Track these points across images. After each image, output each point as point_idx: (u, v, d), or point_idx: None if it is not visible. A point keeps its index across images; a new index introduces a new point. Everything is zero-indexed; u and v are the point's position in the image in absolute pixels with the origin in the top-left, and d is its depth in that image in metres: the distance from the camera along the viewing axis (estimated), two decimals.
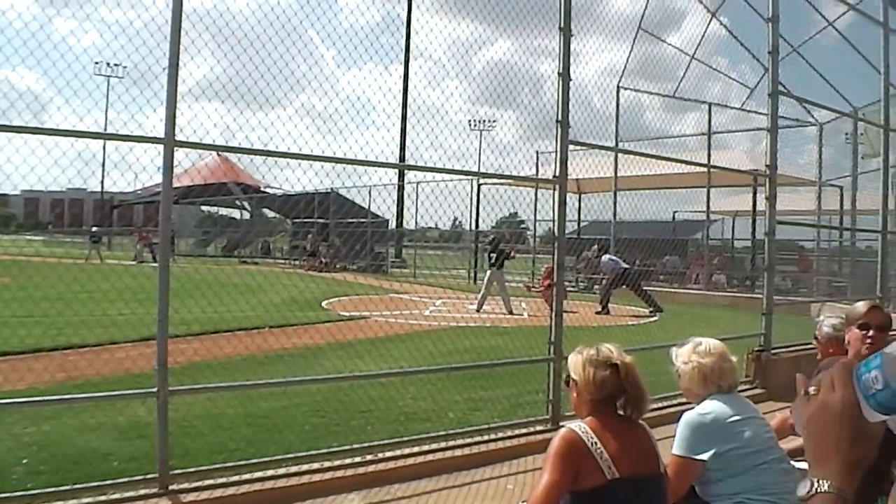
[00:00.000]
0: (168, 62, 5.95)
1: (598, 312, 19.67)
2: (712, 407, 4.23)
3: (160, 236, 6.33)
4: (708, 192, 25.98)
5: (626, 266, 21.16)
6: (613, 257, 21.84)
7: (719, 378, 4.34)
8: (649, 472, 3.62)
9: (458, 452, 7.35)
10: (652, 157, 12.74)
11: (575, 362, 3.80)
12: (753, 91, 23.29)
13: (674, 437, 4.24)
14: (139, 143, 6.36)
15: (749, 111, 24.19)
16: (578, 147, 8.87)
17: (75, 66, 6.22)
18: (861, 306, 5.02)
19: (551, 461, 3.47)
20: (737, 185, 27.95)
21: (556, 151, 8.39)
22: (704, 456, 4.11)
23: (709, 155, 23.99)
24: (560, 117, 8.33)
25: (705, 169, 18.74)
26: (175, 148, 6.03)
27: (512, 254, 22.51)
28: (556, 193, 8.42)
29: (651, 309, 20.20)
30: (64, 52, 6.01)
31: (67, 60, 6.08)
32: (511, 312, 19.63)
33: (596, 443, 3.49)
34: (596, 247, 23.87)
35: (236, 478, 6.24)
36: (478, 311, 19.70)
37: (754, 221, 27.98)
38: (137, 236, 42.92)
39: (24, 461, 6.42)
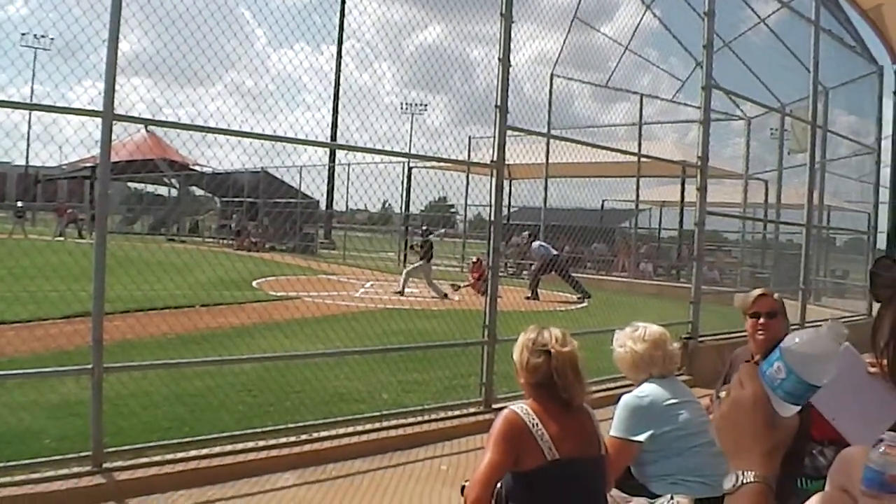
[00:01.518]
0: (108, 35, 5.86)
1: (527, 297, 19.82)
2: (650, 390, 4.35)
3: (97, 212, 6.24)
4: (637, 181, 26.31)
5: (556, 252, 21.37)
6: (543, 244, 22.02)
7: (649, 366, 4.45)
8: (590, 453, 3.71)
9: (392, 433, 7.42)
10: (586, 144, 12.89)
11: (516, 344, 3.88)
12: (685, 83, 23.73)
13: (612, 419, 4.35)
14: (68, 116, 6.27)
15: (679, 103, 24.64)
16: (514, 133, 8.95)
17: (7, 40, 6.09)
18: (750, 296, 5.17)
19: (493, 441, 3.55)
20: (665, 176, 28.39)
21: (494, 136, 8.46)
22: (641, 437, 4.22)
23: (639, 144, 24.34)
24: (499, 102, 8.39)
25: (635, 158, 18.99)
26: (113, 122, 5.96)
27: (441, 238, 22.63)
28: (494, 178, 8.50)
29: (579, 295, 20.44)
30: None
31: None
32: (445, 297, 19.71)
33: (537, 424, 3.57)
34: (526, 233, 24.08)
35: (171, 456, 6.21)
36: (401, 294, 19.68)
37: (682, 211, 28.51)
38: (60, 212, 42.17)
39: None
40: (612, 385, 8.33)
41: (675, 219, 31.35)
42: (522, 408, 3.65)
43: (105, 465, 5.92)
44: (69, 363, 7.56)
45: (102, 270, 5.87)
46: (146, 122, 6.78)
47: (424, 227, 22.89)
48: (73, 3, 6.02)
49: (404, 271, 20.93)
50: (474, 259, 23.09)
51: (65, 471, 5.78)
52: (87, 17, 6.03)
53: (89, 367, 5.89)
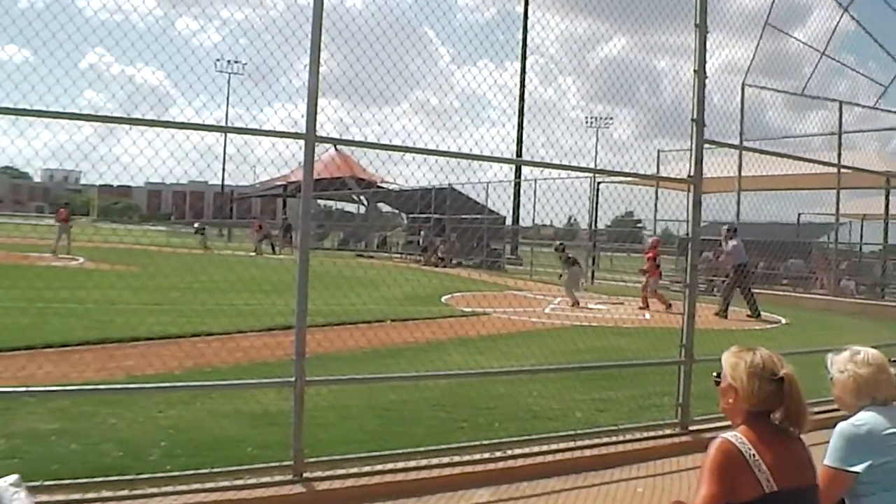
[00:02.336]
0: (310, 59, 6.03)
1: (716, 314, 19.09)
2: (867, 418, 4.06)
3: (301, 230, 6.40)
4: (837, 193, 24.97)
5: (746, 259, 20.40)
6: (740, 242, 20.84)
7: (874, 390, 4.15)
8: (805, 484, 3.49)
9: (586, 453, 7.27)
10: (781, 155, 12.38)
11: (734, 366, 3.64)
12: (887, 88, 22.46)
13: (822, 444, 4.08)
14: (260, 137, 6.48)
15: (881, 110, 23.33)
16: (709, 146, 8.67)
17: (193, 61, 6.34)
18: None
19: (708, 473, 3.36)
20: (867, 187, 26.91)
21: (691, 150, 8.22)
22: (858, 468, 3.94)
23: (839, 155, 23.17)
24: (695, 116, 8.16)
25: (833, 169, 18.10)
26: (316, 143, 6.12)
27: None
28: (691, 193, 8.26)
29: (749, 312, 19.48)
30: (181, 48, 6.17)
31: (186, 57, 6.22)
32: (576, 304, 19.70)
33: (754, 454, 3.37)
34: (726, 227, 22.57)
35: (368, 468, 6.31)
36: (577, 304, 19.55)
37: (887, 224, 26.94)
38: (254, 228, 43.98)
39: (162, 443, 6.60)
40: (817, 410, 7.90)
41: (879, 233, 29.64)
42: (737, 437, 3.45)
43: (305, 475, 6.06)
44: (269, 374, 7.84)
45: (305, 286, 6.02)
46: (346, 143, 6.94)
47: (559, 243, 22.81)
48: (262, 31, 6.24)
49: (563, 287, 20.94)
50: (651, 239, 22.62)
51: (266, 479, 5.96)
52: (275, 42, 6.24)
53: (291, 379, 6.05)
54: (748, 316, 19.35)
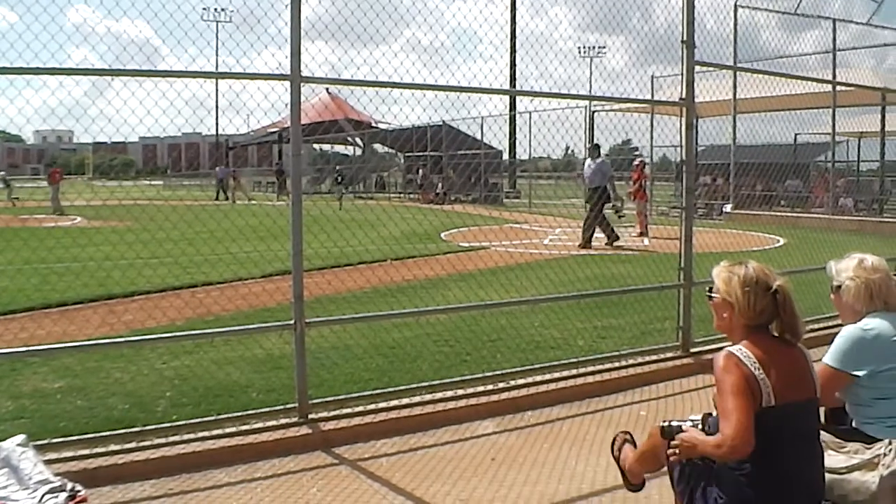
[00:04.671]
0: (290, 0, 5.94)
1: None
2: (876, 324, 4.05)
3: (291, 173, 6.38)
4: (833, 112, 24.80)
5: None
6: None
7: (886, 295, 4.14)
8: (807, 396, 3.49)
9: (589, 379, 7.32)
10: (776, 74, 12.29)
11: (727, 281, 3.62)
12: (881, 5, 22.20)
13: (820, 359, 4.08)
14: (255, 83, 6.43)
15: (876, 26, 23.09)
16: (701, 69, 8.59)
17: (179, 15, 6.26)
18: None
19: (731, 384, 3.33)
20: (862, 105, 26.71)
21: (682, 73, 8.14)
22: (859, 372, 3.95)
23: (834, 73, 22.99)
24: (685, 37, 8.05)
25: (828, 88, 17.96)
26: (301, 84, 6.06)
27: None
28: (683, 117, 8.20)
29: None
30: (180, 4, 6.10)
31: (172, 11, 6.15)
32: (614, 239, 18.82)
33: (759, 367, 3.37)
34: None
35: (372, 406, 6.36)
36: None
37: (883, 142, 26.82)
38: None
39: (167, 394, 6.66)
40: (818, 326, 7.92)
41: (876, 150, 29.52)
42: (741, 350, 3.44)
43: (310, 416, 6.11)
44: (271, 319, 7.87)
45: (300, 230, 6.00)
46: (332, 83, 6.89)
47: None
48: None
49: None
50: (636, 162, 22.45)
51: (273, 422, 6.01)
52: None
53: (291, 322, 6.06)
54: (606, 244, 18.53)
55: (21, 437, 4.50)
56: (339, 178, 40.62)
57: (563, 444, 6.02)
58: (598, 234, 18.36)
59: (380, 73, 6.82)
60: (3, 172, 44.18)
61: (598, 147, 19.54)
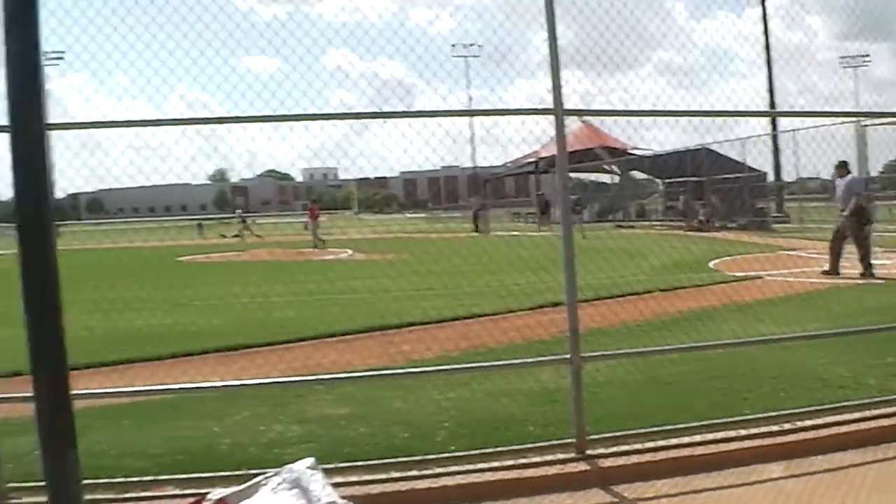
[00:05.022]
0: (547, 34, 5.94)
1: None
2: None
3: (560, 205, 6.36)
4: None
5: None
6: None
7: None
8: None
9: (884, 422, 6.76)
10: None
11: None
12: None
13: None
14: (522, 116, 6.47)
15: None
16: None
17: (431, 50, 6.45)
18: None
19: None
20: None
21: None
22: None
23: None
24: None
25: None
26: (564, 116, 6.05)
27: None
28: None
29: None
30: (418, 38, 6.28)
31: (425, 47, 6.35)
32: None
33: None
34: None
35: (651, 444, 6.19)
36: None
37: None
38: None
39: (445, 424, 6.78)
40: None
41: None
42: None
43: (588, 452, 6.03)
44: (544, 352, 7.86)
45: (572, 261, 5.98)
46: (595, 114, 6.84)
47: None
48: (495, 11, 6.23)
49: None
50: None
51: (549, 457, 5.99)
52: (510, 22, 6.21)
53: (567, 356, 6.02)
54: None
55: (310, 460, 4.73)
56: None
57: (860, 493, 5.59)
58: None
59: (634, 96, 6.72)
60: (239, 210, 46.96)
61: (845, 164, 18.21)
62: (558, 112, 6.00)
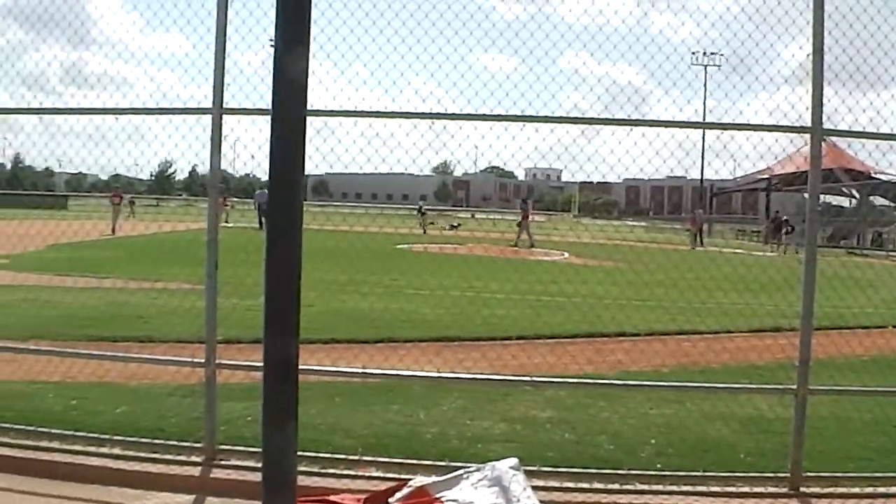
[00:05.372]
0: (812, 48, 5.66)
1: None
2: None
3: (807, 227, 6.03)
4: None
5: None
6: None
7: None
8: None
9: None
10: None
11: None
12: None
13: None
14: (774, 133, 6.19)
15: None
16: None
17: (669, 57, 6.27)
18: None
19: None
20: None
21: None
22: None
23: None
24: None
25: None
26: (823, 136, 5.76)
27: None
28: None
29: None
30: (657, 44, 6.14)
31: (663, 54, 6.20)
32: None
33: None
34: None
35: (870, 490, 5.81)
36: None
37: None
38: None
39: (652, 441, 6.64)
40: None
41: None
42: None
43: (801, 489, 5.76)
44: (757, 378, 7.57)
45: (812, 288, 5.72)
46: (856, 136, 6.43)
47: None
48: (745, 20, 5.99)
49: None
50: None
51: (760, 489, 5.78)
52: (759, 32, 5.95)
53: (793, 387, 5.74)
54: None
55: (513, 461, 4.72)
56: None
57: None
58: None
59: (882, 122, 6.26)
60: (421, 203, 47.78)
61: None
62: (816, 131, 5.73)
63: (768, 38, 6.03)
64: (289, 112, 2.74)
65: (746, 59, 6.31)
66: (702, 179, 65.77)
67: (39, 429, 6.25)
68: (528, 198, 45.71)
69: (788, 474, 5.76)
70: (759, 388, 6.77)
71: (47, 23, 6.91)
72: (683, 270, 10.54)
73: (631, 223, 56.80)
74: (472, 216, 39.70)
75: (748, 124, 6.14)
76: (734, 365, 9.43)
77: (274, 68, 2.74)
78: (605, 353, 9.71)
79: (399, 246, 25.46)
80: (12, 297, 12.61)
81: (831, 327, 11.65)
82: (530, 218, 34.55)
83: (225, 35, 5.84)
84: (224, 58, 5.86)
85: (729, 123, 6.23)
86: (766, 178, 47.09)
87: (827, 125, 5.80)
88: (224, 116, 5.93)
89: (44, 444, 6.13)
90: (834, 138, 6.72)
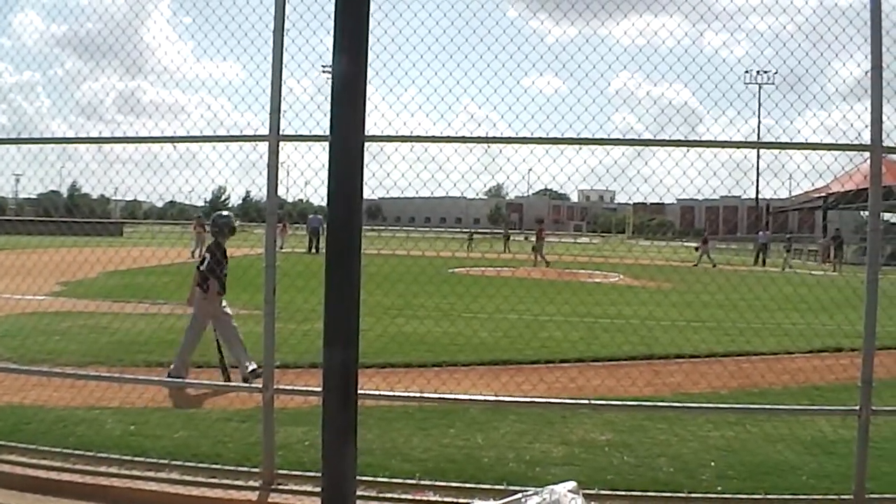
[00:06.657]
0: (870, 64, 5.61)
1: None
2: None
3: (869, 247, 5.99)
4: None
5: None
6: None
7: None
8: None
9: None
10: None
11: None
12: None
13: None
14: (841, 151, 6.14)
15: None
16: None
17: (720, 76, 6.24)
18: None
19: None
20: None
21: None
22: None
23: None
24: None
25: None
26: (882, 154, 5.69)
27: None
28: None
29: None
30: (707, 64, 6.11)
31: (713, 73, 6.19)
32: None
33: None
34: None
35: None
36: None
37: None
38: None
39: (712, 463, 6.57)
40: None
41: None
42: None
43: None
44: (818, 399, 7.46)
45: (874, 308, 5.62)
46: None
47: None
48: (800, 37, 5.96)
49: None
50: None
51: None
52: (816, 50, 5.91)
53: (856, 408, 5.65)
54: None
55: (572, 484, 4.71)
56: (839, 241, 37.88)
57: None
58: None
59: None
60: (469, 230, 47.91)
61: None
62: (876, 149, 5.67)
63: (825, 55, 5.98)
64: (348, 138, 2.79)
65: (803, 77, 6.25)
66: (757, 199, 65.11)
67: (99, 454, 6.37)
68: (540, 220, 45.56)
69: (852, 496, 5.66)
70: (821, 410, 6.68)
71: (105, 53, 7.13)
72: (742, 292, 10.43)
73: (687, 244, 56.20)
74: (525, 238, 39.79)
75: (806, 143, 6.08)
76: (795, 386, 9.30)
77: (332, 95, 2.79)
78: (664, 375, 9.65)
79: (453, 270, 25.45)
80: (74, 323, 12.88)
81: (893, 347, 11.46)
82: (545, 238, 34.70)
83: (281, 63, 5.94)
84: (280, 85, 5.95)
85: (787, 143, 6.18)
86: (823, 196, 46.28)
87: (887, 142, 5.74)
88: (280, 143, 6.03)
89: (103, 469, 6.22)
90: (894, 156, 6.66)
